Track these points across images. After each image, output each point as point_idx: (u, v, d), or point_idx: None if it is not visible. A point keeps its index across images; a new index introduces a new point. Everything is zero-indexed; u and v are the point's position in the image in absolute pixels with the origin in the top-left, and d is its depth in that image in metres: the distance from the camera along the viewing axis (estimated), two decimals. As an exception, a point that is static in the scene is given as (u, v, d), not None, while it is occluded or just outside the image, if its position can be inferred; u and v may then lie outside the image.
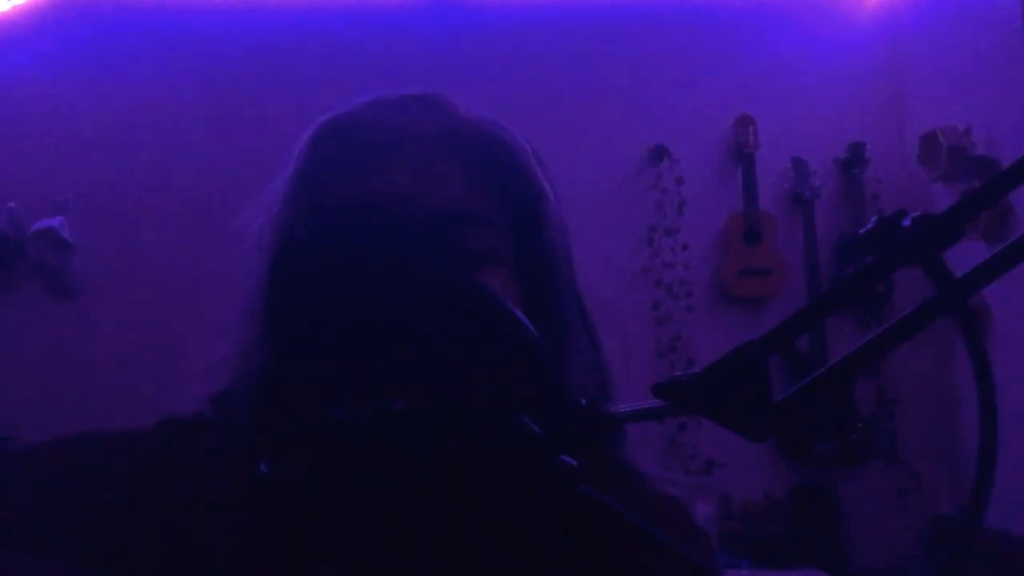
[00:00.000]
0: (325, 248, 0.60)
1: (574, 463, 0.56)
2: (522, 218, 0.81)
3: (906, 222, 0.56)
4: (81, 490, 0.76)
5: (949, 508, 3.50)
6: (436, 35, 3.69)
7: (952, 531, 3.35)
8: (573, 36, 3.76)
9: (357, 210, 0.75)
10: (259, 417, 0.60)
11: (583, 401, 0.60)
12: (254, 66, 3.68)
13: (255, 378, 0.63)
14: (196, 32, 3.71)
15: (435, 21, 3.73)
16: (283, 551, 0.71)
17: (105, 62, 3.68)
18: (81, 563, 0.73)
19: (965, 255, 0.57)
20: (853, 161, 3.68)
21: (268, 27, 3.72)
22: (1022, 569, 2.92)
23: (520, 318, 0.59)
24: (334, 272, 0.59)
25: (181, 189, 3.57)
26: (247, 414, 0.62)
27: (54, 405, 3.23)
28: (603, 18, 3.76)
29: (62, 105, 3.65)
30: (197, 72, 3.67)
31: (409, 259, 0.60)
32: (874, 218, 0.58)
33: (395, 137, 0.80)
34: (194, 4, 3.74)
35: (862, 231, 0.58)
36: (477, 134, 0.82)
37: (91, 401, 3.22)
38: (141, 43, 3.70)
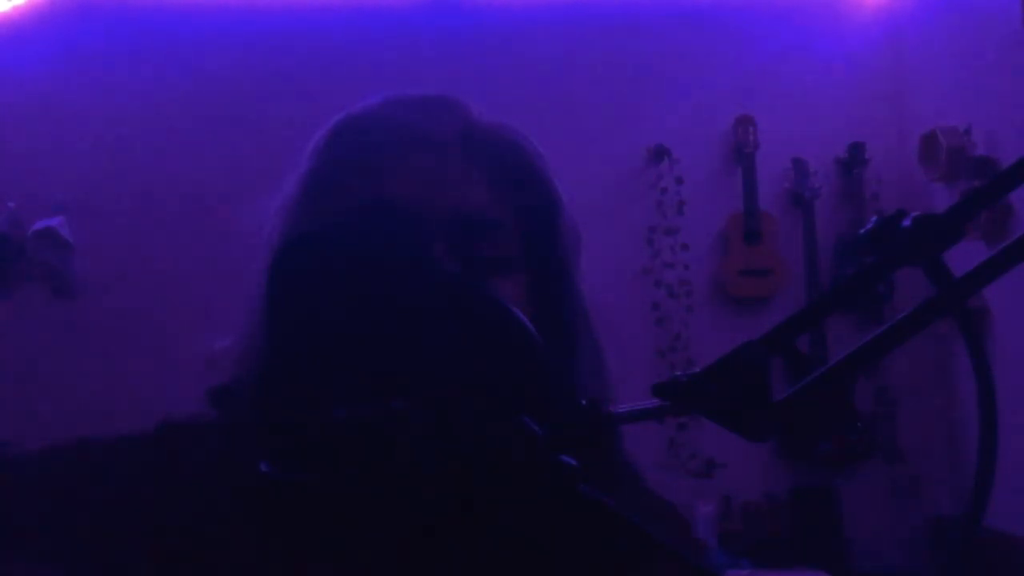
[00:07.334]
0: (332, 246, 0.60)
1: (574, 463, 0.56)
2: (536, 225, 0.81)
3: (906, 222, 0.56)
4: (81, 496, 0.76)
5: (949, 508, 3.49)
6: (435, 36, 3.69)
7: (952, 531, 3.35)
8: (573, 36, 3.75)
9: (370, 209, 0.74)
10: (260, 416, 0.60)
11: (583, 401, 0.60)
12: (254, 66, 3.68)
13: (256, 376, 0.63)
14: (196, 32, 3.71)
15: (434, 22, 3.72)
16: (283, 551, 0.71)
17: (105, 62, 3.67)
18: (81, 569, 0.73)
19: (965, 255, 0.57)
20: (853, 161, 3.67)
21: (268, 27, 3.72)
22: (1022, 569, 2.92)
23: (520, 318, 0.59)
24: (339, 270, 0.58)
25: (181, 189, 3.57)
26: (248, 412, 0.62)
27: (53, 405, 3.23)
28: (603, 18, 3.76)
29: (62, 105, 3.65)
30: (197, 72, 3.67)
31: (417, 260, 0.59)
32: (874, 218, 0.58)
33: (411, 138, 0.79)
34: (194, 4, 3.74)
35: (862, 231, 0.59)
36: (494, 139, 0.82)
37: (91, 402, 3.21)
38: (141, 43, 3.70)
